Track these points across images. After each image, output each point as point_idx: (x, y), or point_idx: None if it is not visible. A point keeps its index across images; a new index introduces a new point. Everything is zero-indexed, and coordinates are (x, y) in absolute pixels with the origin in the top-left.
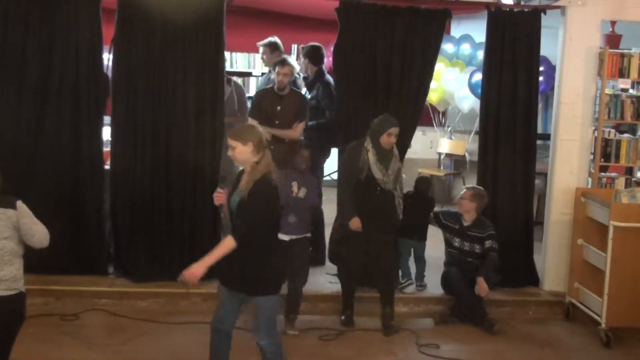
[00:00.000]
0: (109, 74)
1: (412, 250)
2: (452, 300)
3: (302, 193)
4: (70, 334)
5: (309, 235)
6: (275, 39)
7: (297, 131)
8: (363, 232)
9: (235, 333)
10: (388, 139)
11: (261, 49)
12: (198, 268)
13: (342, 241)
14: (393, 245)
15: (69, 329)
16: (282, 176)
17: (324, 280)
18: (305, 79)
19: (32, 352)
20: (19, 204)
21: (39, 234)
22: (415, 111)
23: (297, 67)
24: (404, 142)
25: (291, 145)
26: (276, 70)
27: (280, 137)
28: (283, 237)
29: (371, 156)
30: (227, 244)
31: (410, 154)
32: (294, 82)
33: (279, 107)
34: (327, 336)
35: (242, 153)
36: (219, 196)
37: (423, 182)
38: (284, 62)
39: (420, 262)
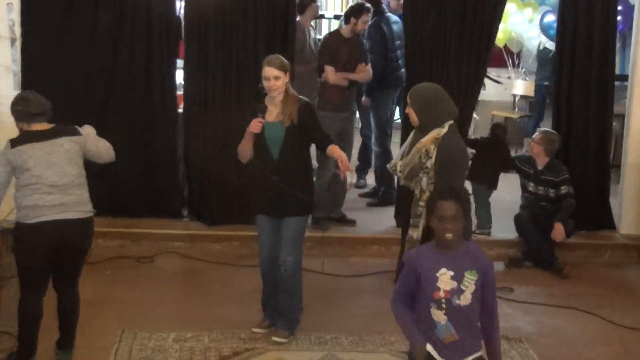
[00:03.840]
0: (181, 17)
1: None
2: (524, 244)
3: None
4: (146, 276)
5: None
6: None
7: (369, 73)
8: None
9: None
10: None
11: None
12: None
13: None
14: None
15: (145, 271)
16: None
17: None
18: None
19: (109, 293)
20: (81, 129)
21: (105, 151)
22: (483, 54)
23: None
24: (472, 87)
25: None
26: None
27: (355, 81)
28: None
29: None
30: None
31: (484, 96)
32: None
33: (346, 51)
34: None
35: (284, 83)
36: (260, 125)
37: (499, 128)
38: (368, 10)
39: (487, 206)
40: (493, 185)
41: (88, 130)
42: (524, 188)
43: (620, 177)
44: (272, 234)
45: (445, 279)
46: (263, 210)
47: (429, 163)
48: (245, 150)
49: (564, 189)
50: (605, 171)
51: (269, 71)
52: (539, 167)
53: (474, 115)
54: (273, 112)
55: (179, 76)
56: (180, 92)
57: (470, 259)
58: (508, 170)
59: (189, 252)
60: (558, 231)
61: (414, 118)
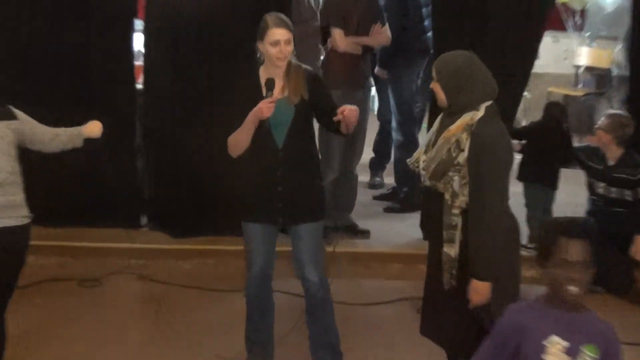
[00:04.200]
0: None
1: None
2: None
3: None
4: (91, 305)
5: None
6: None
7: (386, 35)
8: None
9: None
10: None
11: None
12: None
13: None
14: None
15: (90, 297)
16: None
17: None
18: None
19: (43, 328)
20: (17, 111)
21: (49, 135)
22: (539, 11)
23: None
24: (523, 55)
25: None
26: None
27: (371, 47)
28: None
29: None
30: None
31: (536, 67)
32: None
33: (357, 8)
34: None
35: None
36: (272, 107)
37: (556, 108)
38: None
39: (547, 215)
40: (551, 185)
41: (92, 129)
42: (591, 189)
43: None
44: (267, 245)
45: (555, 351)
46: (258, 216)
47: (461, 158)
48: (243, 141)
49: None
50: None
51: (279, 33)
52: (610, 162)
53: (525, 92)
54: (277, 88)
55: (138, 41)
56: (139, 62)
57: (591, 329)
58: (569, 165)
59: (148, 273)
60: (639, 247)
61: (441, 97)
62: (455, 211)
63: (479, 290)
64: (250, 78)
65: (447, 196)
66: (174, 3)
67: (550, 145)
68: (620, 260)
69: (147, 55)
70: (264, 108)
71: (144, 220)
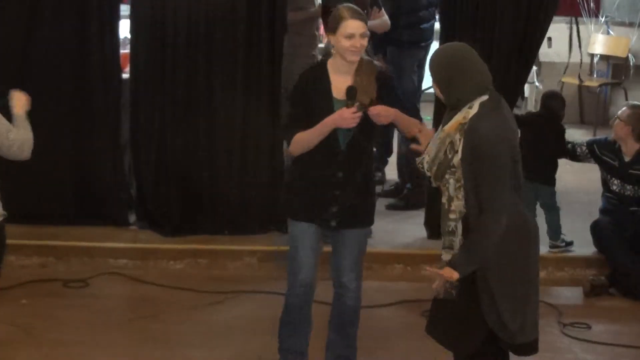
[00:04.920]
0: None
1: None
2: (606, 263)
3: None
4: (77, 307)
5: None
6: None
7: (385, 21)
8: None
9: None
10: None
11: None
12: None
13: None
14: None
15: (75, 300)
16: None
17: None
18: None
19: (25, 332)
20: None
21: (19, 146)
22: None
23: None
24: (530, 41)
25: None
26: None
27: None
28: None
29: None
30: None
31: (548, 55)
32: None
33: None
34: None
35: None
36: (357, 119)
37: (554, 99)
38: None
39: (551, 212)
40: (548, 181)
41: (18, 104)
42: (605, 186)
43: None
44: (315, 249)
45: None
46: (311, 216)
47: (456, 159)
48: (313, 143)
49: None
50: None
51: (355, 26)
52: (626, 158)
53: (535, 82)
54: (341, 85)
55: (124, 28)
56: (125, 51)
57: None
58: (571, 157)
59: (137, 274)
60: None
61: (437, 92)
62: (452, 216)
63: (446, 274)
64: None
65: (444, 200)
66: None
67: (544, 140)
68: (636, 263)
69: (134, 43)
70: (349, 119)
71: (132, 218)
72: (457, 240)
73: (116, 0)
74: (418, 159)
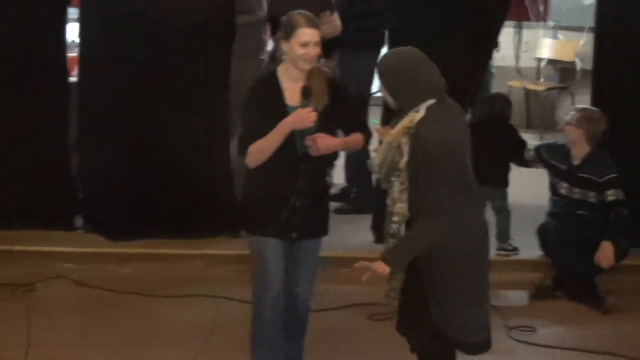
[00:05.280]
0: None
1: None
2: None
3: None
4: (25, 311)
5: None
6: None
7: (336, 25)
8: None
9: None
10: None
11: None
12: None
13: None
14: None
15: (23, 303)
16: None
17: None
18: None
19: None
20: None
21: None
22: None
23: None
24: (484, 46)
25: None
26: None
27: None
28: None
29: None
30: (359, 140)
31: (496, 59)
32: None
33: None
34: (379, 315)
35: None
36: (314, 118)
37: (500, 102)
38: None
39: (502, 214)
40: (499, 183)
41: None
42: (553, 189)
43: None
44: (283, 263)
45: None
46: (275, 231)
47: (402, 162)
48: (270, 150)
49: (611, 194)
50: None
51: (310, 34)
52: (575, 161)
53: None
54: (295, 91)
55: (72, 31)
56: (73, 54)
57: None
58: (528, 164)
59: (85, 278)
60: (606, 253)
61: (386, 97)
62: (395, 218)
63: (378, 270)
64: (206, 70)
65: (388, 202)
66: None
67: (494, 142)
68: (582, 266)
69: (82, 46)
70: (306, 118)
71: (78, 222)
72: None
73: (64, 3)
74: (369, 161)
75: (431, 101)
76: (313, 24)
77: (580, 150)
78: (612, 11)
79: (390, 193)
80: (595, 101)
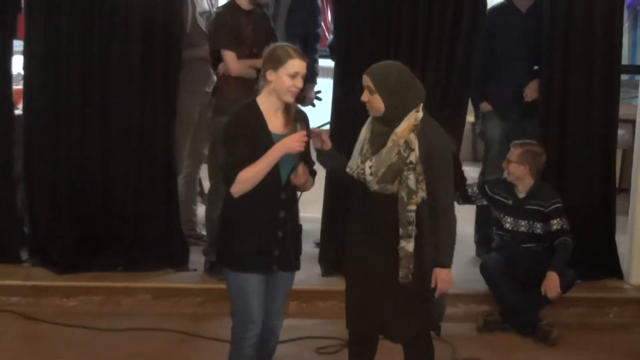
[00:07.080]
0: None
1: None
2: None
3: None
4: None
5: None
6: None
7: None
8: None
9: None
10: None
11: None
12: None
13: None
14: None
15: None
16: None
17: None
18: None
19: None
20: None
21: None
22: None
23: None
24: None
25: None
26: None
27: None
28: None
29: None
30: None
31: None
32: None
33: (250, 29)
34: (327, 348)
35: None
36: (304, 142)
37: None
38: None
39: None
40: None
41: None
42: (498, 224)
43: (630, 206)
44: (263, 299)
45: None
46: (258, 266)
47: (413, 156)
48: (260, 177)
49: (556, 223)
50: (609, 198)
51: (300, 66)
52: (521, 195)
53: None
54: (278, 121)
55: (17, 64)
56: (18, 87)
57: None
58: (468, 201)
59: (30, 311)
60: (552, 282)
61: (378, 106)
62: (411, 207)
63: (446, 278)
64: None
65: (402, 194)
66: (56, 22)
67: None
68: (525, 298)
69: (27, 79)
70: (299, 142)
71: (24, 255)
72: (414, 229)
73: (9, 35)
74: (350, 169)
75: (421, 105)
76: (302, 56)
77: (526, 184)
78: (559, 41)
79: (404, 187)
80: (541, 136)
